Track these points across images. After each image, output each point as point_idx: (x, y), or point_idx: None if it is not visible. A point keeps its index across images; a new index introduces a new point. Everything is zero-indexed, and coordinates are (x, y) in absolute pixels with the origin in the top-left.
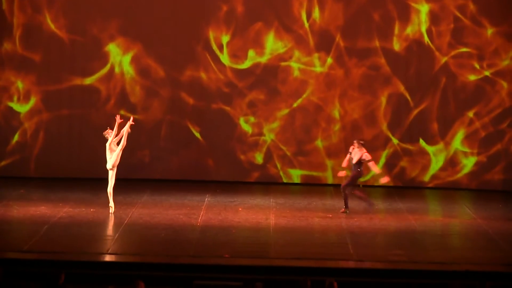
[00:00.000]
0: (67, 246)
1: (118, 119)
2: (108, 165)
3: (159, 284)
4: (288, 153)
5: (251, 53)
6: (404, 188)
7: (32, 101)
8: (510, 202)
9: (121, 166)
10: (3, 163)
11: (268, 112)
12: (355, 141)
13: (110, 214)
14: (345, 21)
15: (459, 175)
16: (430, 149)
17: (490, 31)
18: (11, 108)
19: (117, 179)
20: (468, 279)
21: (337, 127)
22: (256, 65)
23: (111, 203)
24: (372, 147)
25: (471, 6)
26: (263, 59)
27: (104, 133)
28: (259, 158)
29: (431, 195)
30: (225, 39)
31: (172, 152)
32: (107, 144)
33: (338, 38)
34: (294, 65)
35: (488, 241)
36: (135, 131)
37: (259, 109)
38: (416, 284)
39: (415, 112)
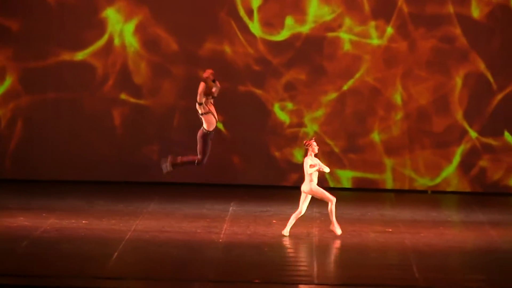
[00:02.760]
0: (52, 268)
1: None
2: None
3: None
4: (336, 150)
5: (289, 20)
6: (485, 195)
7: (8, 81)
8: None
9: (122, 166)
10: None
11: (311, 97)
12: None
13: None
14: None
15: None
16: None
17: None
18: None
19: (116, 182)
20: None
21: (399, 116)
22: (295, 36)
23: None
24: (443, 142)
25: None
26: (305, 29)
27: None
28: (298, 156)
29: None
30: (256, 2)
31: (188, 148)
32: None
33: (400, 1)
34: (345, 36)
35: None
36: (140, 121)
37: (299, 92)
38: None
39: (499, 96)
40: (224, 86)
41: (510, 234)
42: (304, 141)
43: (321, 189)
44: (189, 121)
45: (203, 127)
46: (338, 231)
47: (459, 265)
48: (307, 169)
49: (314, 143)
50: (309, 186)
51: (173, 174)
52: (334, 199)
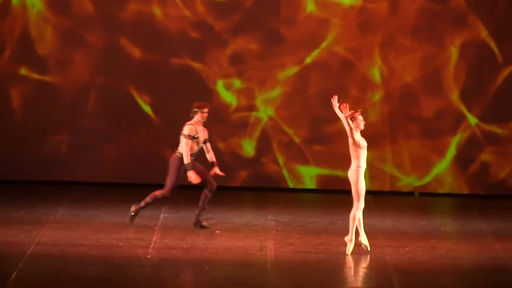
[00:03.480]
0: None
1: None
2: None
3: None
4: (297, 140)
5: None
6: (487, 198)
7: None
8: None
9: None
10: None
11: (264, 72)
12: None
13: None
14: None
15: None
16: None
17: None
18: None
19: (15, 182)
20: None
21: (377, 96)
22: None
23: None
24: (434, 131)
25: None
26: None
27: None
28: (249, 148)
29: None
30: None
31: (106, 137)
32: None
33: None
34: None
35: None
36: (45, 103)
37: (250, 66)
38: None
39: (505, 72)
40: (154, 59)
41: None
42: (350, 113)
43: (363, 186)
44: (108, 104)
45: (177, 151)
46: (366, 243)
47: (454, 287)
48: (359, 142)
49: (361, 117)
50: (356, 174)
51: (87, 171)
52: (363, 207)
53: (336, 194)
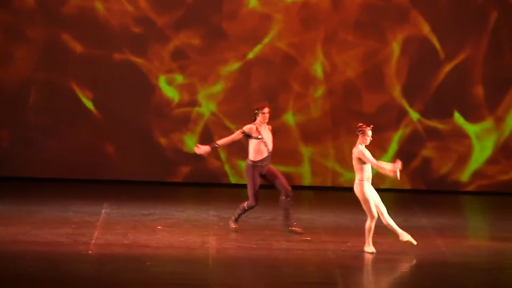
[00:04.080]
0: None
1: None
2: None
3: None
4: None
5: None
6: (429, 193)
7: None
8: None
9: None
10: None
11: (207, 68)
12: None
13: None
14: None
15: None
16: (471, 128)
17: None
18: None
19: None
20: None
21: (319, 92)
22: None
23: None
24: (376, 126)
25: None
26: None
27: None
28: (190, 144)
29: (472, 205)
30: None
31: (48, 132)
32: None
33: None
34: None
35: None
36: None
37: (192, 62)
38: None
39: (448, 68)
40: (95, 54)
41: (461, 243)
42: (360, 124)
43: (369, 197)
44: (49, 99)
45: (248, 158)
46: (370, 249)
47: (396, 284)
48: (371, 160)
49: (370, 133)
50: (359, 188)
51: (29, 167)
52: (376, 217)
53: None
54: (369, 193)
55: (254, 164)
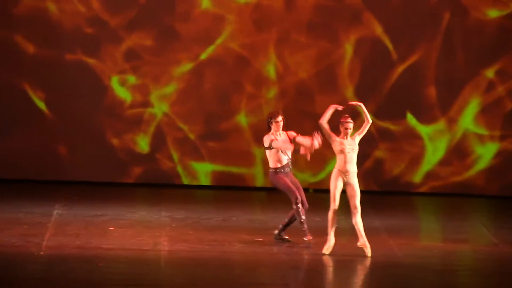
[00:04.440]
0: None
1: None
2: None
3: None
4: (192, 136)
5: None
6: (382, 194)
7: None
8: None
9: None
10: None
11: (159, 68)
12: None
13: None
14: None
15: (471, 172)
16: (423, 129)
17: None
18: None
19: None
20: None
21: (272, 93)
22: None
23: None
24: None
25: None
26: None
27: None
28: (143, 144)
29: (425, 206)
30: None
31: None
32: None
33: None
34: None
35: None
36: None
37: (145, 62)
38: None
39: (401, 68)
40: (48, 54)
41: (414, 244)
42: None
43: (333, 187)
44: (1, 99)
45: (270, 167)
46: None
47: (348, 285)
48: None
49: (351, 125)
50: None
51: None
52: (332, 207)
53: (231, 191)
54: (334, 183)
55: (276, 170)
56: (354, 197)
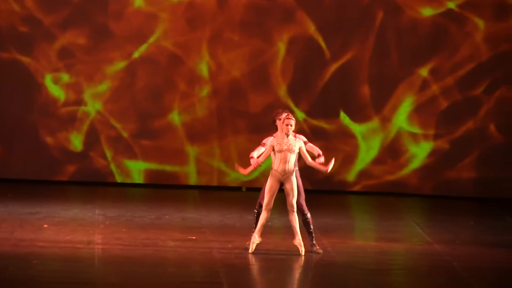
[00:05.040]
0: None
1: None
2: None
3: None
4: (125, 134)
5: None
6: (316, 193)
7: None
8: (486, 216)
9: None
10: None
11: (92, 67)
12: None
13: None
14: None
15: (405, 171)
16: (357, 128)
17: None
18: None
19: None
20: None
21: (205, 91)
22: None
23: None
24: (262, 126)
25: None
26: None
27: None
28: (76, 143)
29: (358, 205)
30: None
31: None
32: None
33: None
34: None
35: (450, 279)
36: None
37: (78, 61)
38: None
39: (334, 67)
40: None
41: (348, 243)
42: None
43: (268, 187)
44: None
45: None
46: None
47: (281, 283)
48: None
49: (292, 122)
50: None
51: None
52: (265, 205)
53: (164, 189)
54: (270, 183)
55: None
56: (290, 196)
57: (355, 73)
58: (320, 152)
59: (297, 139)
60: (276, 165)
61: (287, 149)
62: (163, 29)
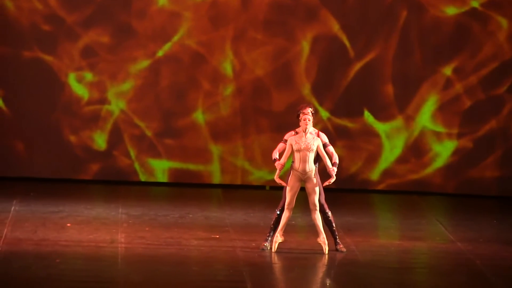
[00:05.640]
0: None
1: None
2: None
3: None
4: (149, 133)
5: None
6: (338, 192)
7: None
8: (508, 214)
9: None
10: None
11: (116, 66)
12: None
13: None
14: None
15: (428, 170)
16: (380, 127)
17: None
18: None
19: None
20: None
21: (228, 90)
22: None
23: None
24: (285, 124)
25: None
26: None
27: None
28: (100, 141)
29: (382, 203)
30: None
31: None
32: None
33: None
34: None
35: (473, 278)
36: None
37: (101, 60)
38: None
39: (357, 66)
40: (5, 52)
41: (370, 242)
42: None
43: (290, 186)
44: None
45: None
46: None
47: (305, 282)
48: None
49: (308, 117)
50: None
51: None
52: (284, 205)
53: (187, 188)
54: (291, 182)
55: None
56: (313, 195)
57: (379, 72)
58: (337, 161)
59: (315, 137)
60: (297, 164)
61: (305, 148)
62: (187, 28)
